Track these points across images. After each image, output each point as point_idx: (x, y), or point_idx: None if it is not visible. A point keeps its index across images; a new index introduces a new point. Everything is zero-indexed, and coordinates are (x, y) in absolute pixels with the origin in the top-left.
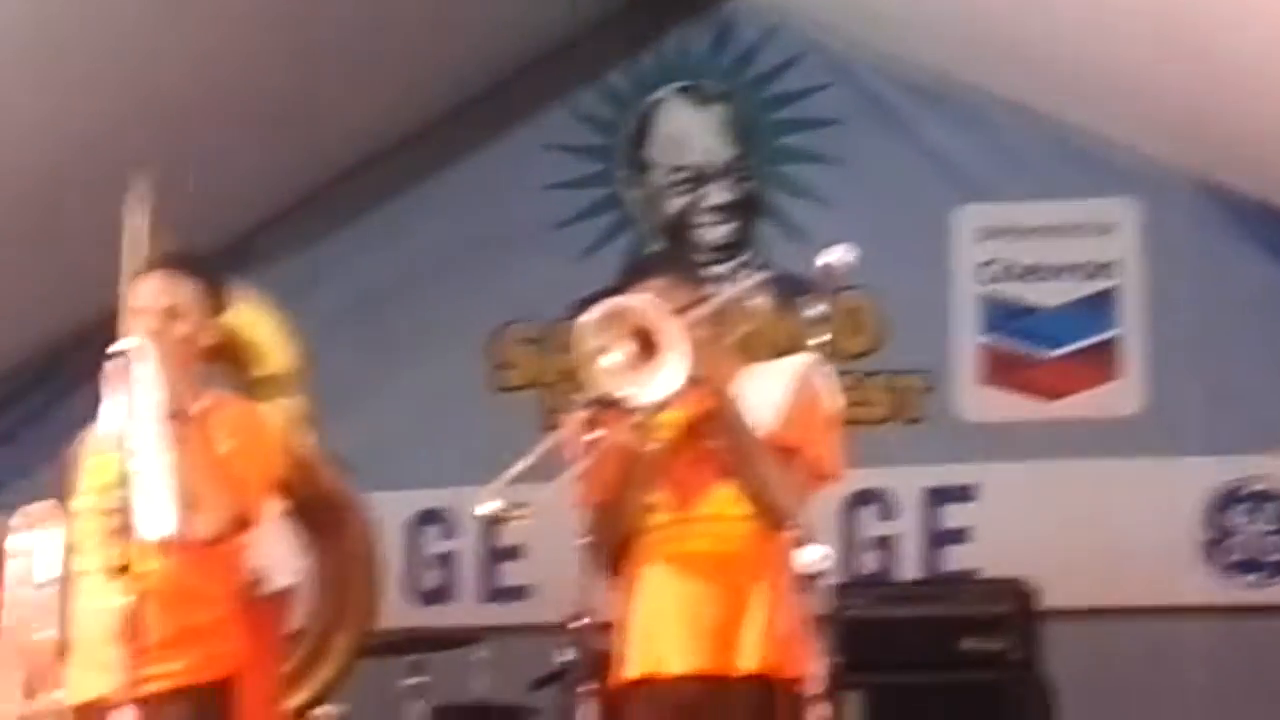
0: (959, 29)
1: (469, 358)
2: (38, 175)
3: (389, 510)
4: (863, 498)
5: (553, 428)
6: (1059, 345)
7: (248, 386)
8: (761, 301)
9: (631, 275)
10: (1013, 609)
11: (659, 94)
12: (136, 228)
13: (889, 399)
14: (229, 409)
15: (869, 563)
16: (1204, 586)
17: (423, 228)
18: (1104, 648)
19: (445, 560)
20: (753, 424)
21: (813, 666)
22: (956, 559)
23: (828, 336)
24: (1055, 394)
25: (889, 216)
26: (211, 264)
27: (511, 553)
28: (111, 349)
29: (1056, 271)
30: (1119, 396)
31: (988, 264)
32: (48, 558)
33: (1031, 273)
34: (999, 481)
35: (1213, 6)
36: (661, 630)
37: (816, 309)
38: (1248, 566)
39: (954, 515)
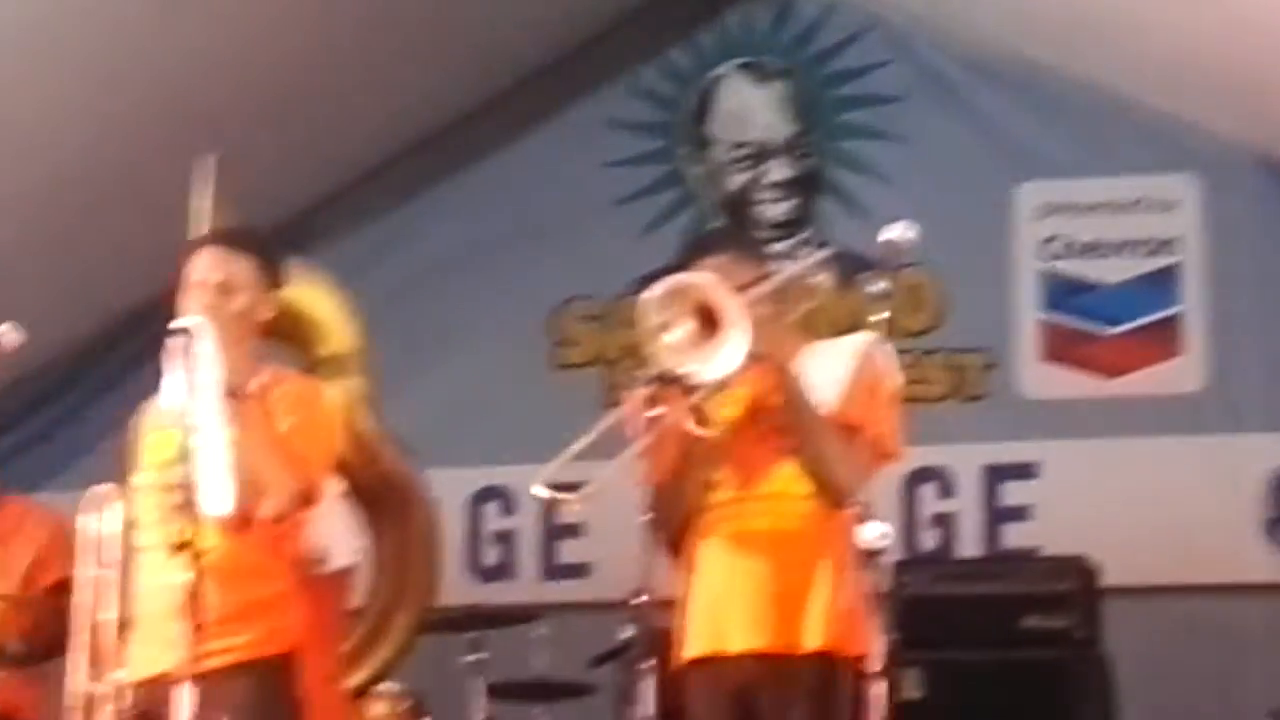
0: (1019, 4)
1: (530, 335)
2: (98, 151)
3: (449, 488)
4: (922, 475)
5: (613, 405)
6: (1120, 322)
7: (309, 366)
8: (823, 278)
9: (693, 252)
10: (1075, 586)
11: (720, 70)
12: (200, 206)
13: (949, 376)
14: (288, 385)
15: (928, 540)
16: (1265, 564)
17: (484, 205)
18: (1164, 626)
19: (505, 537)
20: (815, 402)
21: (874, 644)
22: (1016, 537)
23: (888, 314)
24: (1116, 371)
25: (949, 193)
26: (265, 239)
27: (571, 530)
28: (172, 325)
29: (1117, 248)
30: (1180, 373)
31: (1048, 240)
32: (114, 537)
33: (1092, 249)
34: (1059, 459)
35: None
36: (723, 608)
37: (878, 285)
38: None
39: (1014, 493)
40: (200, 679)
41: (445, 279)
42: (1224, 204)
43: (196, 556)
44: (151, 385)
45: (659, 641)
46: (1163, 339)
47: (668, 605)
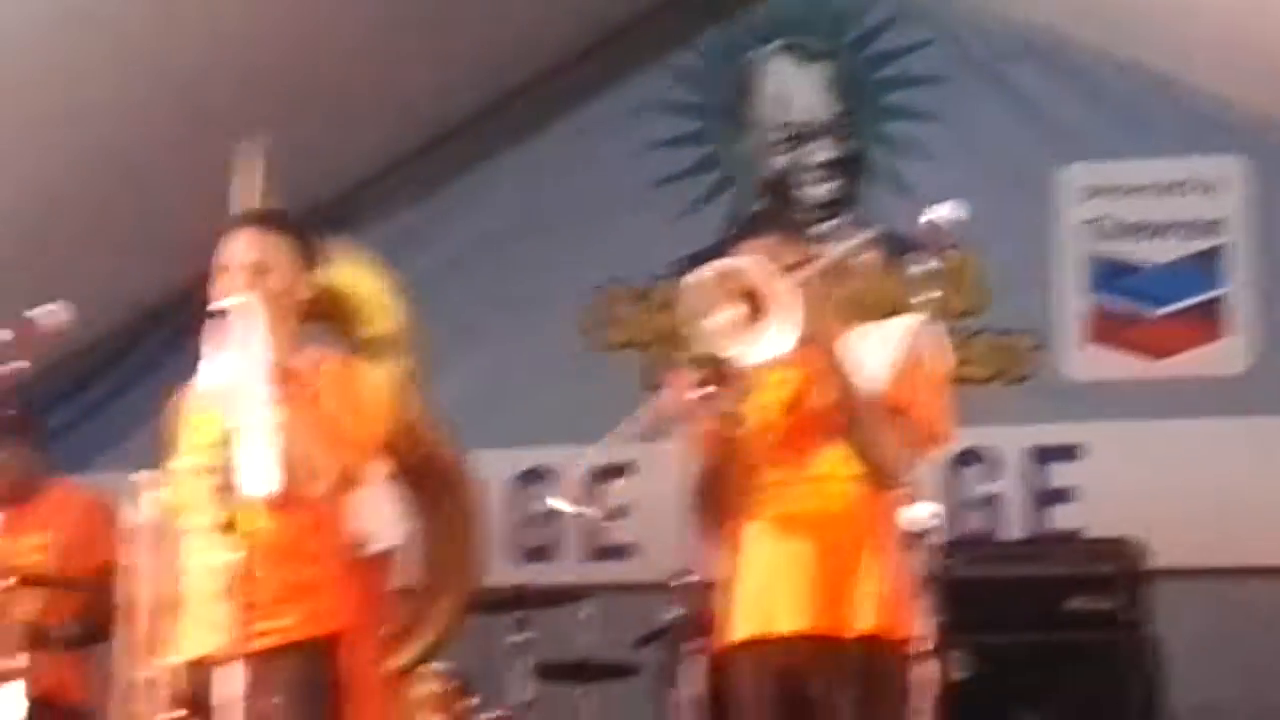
0: None
1: (570, 316)
2: (138, 134)
3: (492, 469)
4: (967, 457)
5: (654, 386)
6: (1165, 303)
7: (353, 347)
8: (869, 259)
9: (739, 233)
10: (1121, 568)
11: (761, 52)
12: (241, 188)
13: (994, 358)
14: (332, 366)
15: (973, 522)
16: None
17: (524, 187)
18: (1211, 607)
19: (550, 518)
20: (862, 384)
21: (920, 626)
22: (1061, 518)
23: (936, 294)
24: (1161, 352)
25: (993, 174)
26: (299, 219)
27: (615, 511)
28: (217, 306)
29: (1163, 229)
30: (1226, 355)
31: (1093, 222)
32: (158, 522)
33: (1138, 231)
34: (1104, 441)
35: None
36: (770, 590)
37: (924, 266)
38: None
39: (1059, 475)
40: (247, 660)
41: (487, 260)
42: (1270, 185)
43: (243, 537)
44: (193, 366)
45: (704, 623)
46: (1208, 320)
47: (713, 586)
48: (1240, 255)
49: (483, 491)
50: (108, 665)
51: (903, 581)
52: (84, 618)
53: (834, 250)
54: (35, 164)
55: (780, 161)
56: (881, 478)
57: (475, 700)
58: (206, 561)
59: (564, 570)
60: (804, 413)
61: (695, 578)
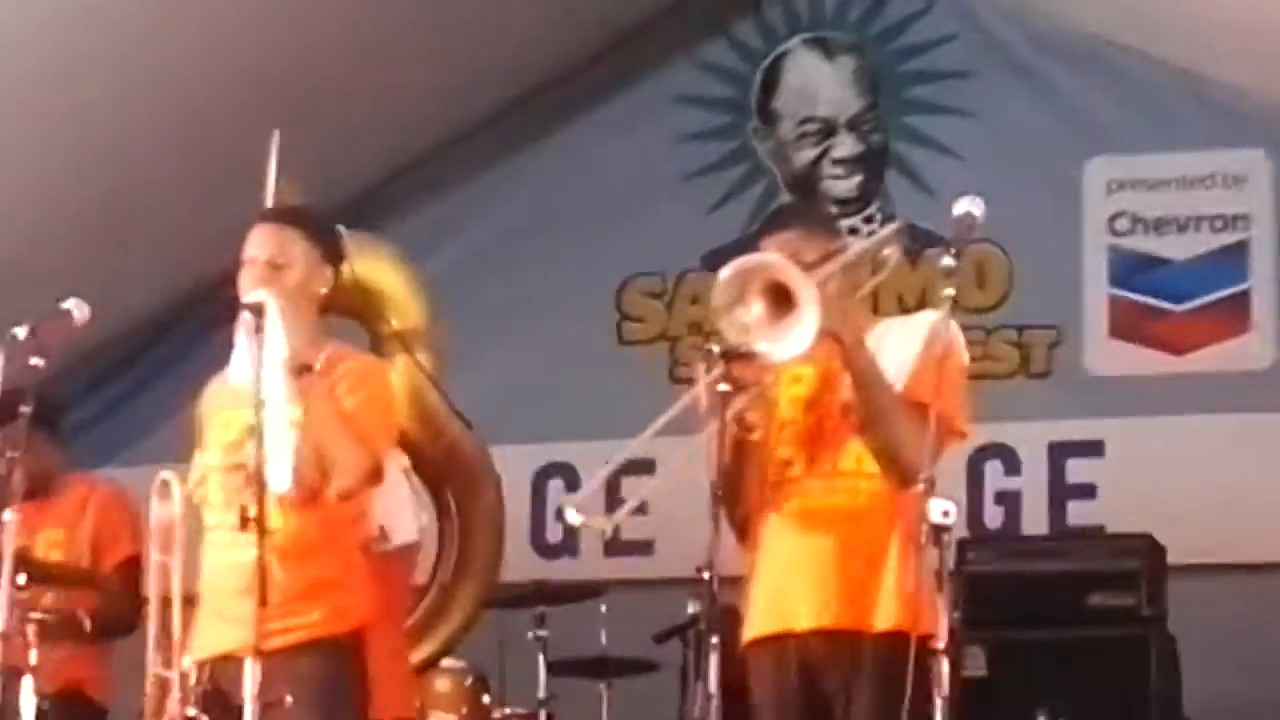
0: None
1: (596, 311)
2: (165, 127)
3: (514, 464)
4: (988, 453)
5: (679, 381)
6: (1189, 299)
7: (377, 341)
8: (892, 253)
9: (765, 227)
10: (1141, 564)
11: (787, 45)
12: (268, 181)
13: (1016, 353)
14: (351, 362)
15: (994, 518)
16: None
17: (552, 180)
18: (1231, 604)
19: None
20: (884, 378)
21: (940, 622)
22: (1081, 514)
23: (956, 290)
24: (1185, 348)
25: (1017, 168)
26: (317, 214)
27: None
28: (243, 301)
29: (1187, 224)
30: (1250, 350)
31: (1117, 216)
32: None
33: (1162, 225)
34: (1126, 437)
35: None
36: (790, 586)
37: (947, 261)
38: None
39: (1079, 470)
40: (267, 656)
41: (512, 255)
42: None
43: (264, 534)
44: (217, 360)
45: (724, 618)
46: (1232, 315)
47: (732, 582)
48: (1265, 250)
49: (503, 486)
50: (129, 660)
51: (923, 578)
52: (105, 613)
53: (859, 245)
54: (58, 160)
55: (806, 155)
56: (901, 473)
57: (493, 696)
58: (228, 558)
59: (583, 566)
60: (826, 408)
61: (715, 573)
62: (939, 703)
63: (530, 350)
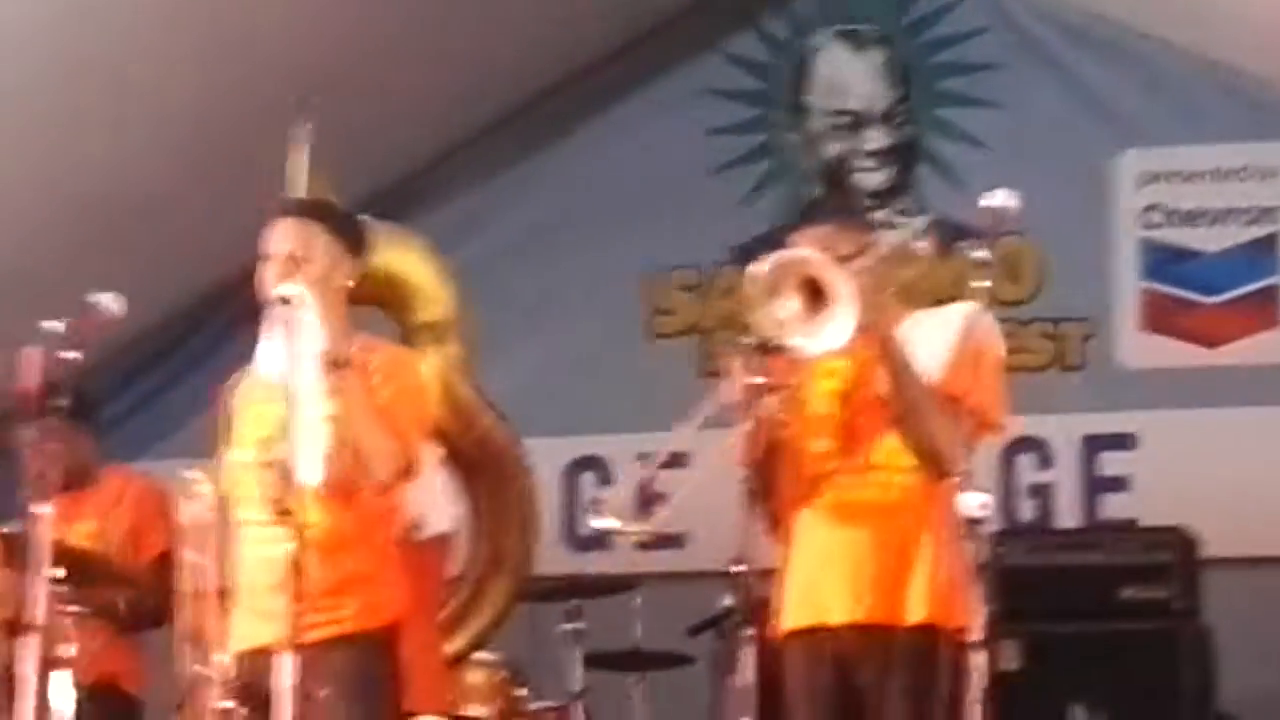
0: None
1: (626, 304)
2: (194, 121)
3: (546, 456)
4: (1020, 446)
5: (710, 374)
6: (1221, 291)
7: (407, 332)
8: (924, 246)
9: (795, 221)
10: (1174, 557)
11: (816, 38)
12: (296, 175)
13: (1047, 346)
14: (382, 354)
15: (1026, 511)
16: None
17: (580, 173)
18: (1265, 597)
19: (601, 506)
20: (918, 372)
21: (974, 615)
22: (1114, 507)
23: (989, 283)
24: (1216, 340)
25: (1048, 161)
26: (339, 207)
27: (667, 500)
28: (274, 294)
29: (1218, 216)
30: None
31: (1149, 209)
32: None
33: (1193, 218)
34: (1158, 429)
35: None
36: (825, 580)
37: (979, 254)
38: None
39: (1112, 463)
40: (302, 651)
41: (542, 247)
42: None
43: (299, 528)
44: (248, 354)
45: (757, 611)
46: (1264, 308)
47: (766, 575)
48: None
49: (535, 478)
50: (163, 655)
51: (956, 571)
52: (139, 606)
53: (890, 238)
54: (89, 155)
55: (835, 149)
56: (936, 466)
57: (526, 689)
58: (262, 553)
59: (616, 559)
60: (860, 402)
61: (748, 566)
62: (973, 696)
63: (561, 343)
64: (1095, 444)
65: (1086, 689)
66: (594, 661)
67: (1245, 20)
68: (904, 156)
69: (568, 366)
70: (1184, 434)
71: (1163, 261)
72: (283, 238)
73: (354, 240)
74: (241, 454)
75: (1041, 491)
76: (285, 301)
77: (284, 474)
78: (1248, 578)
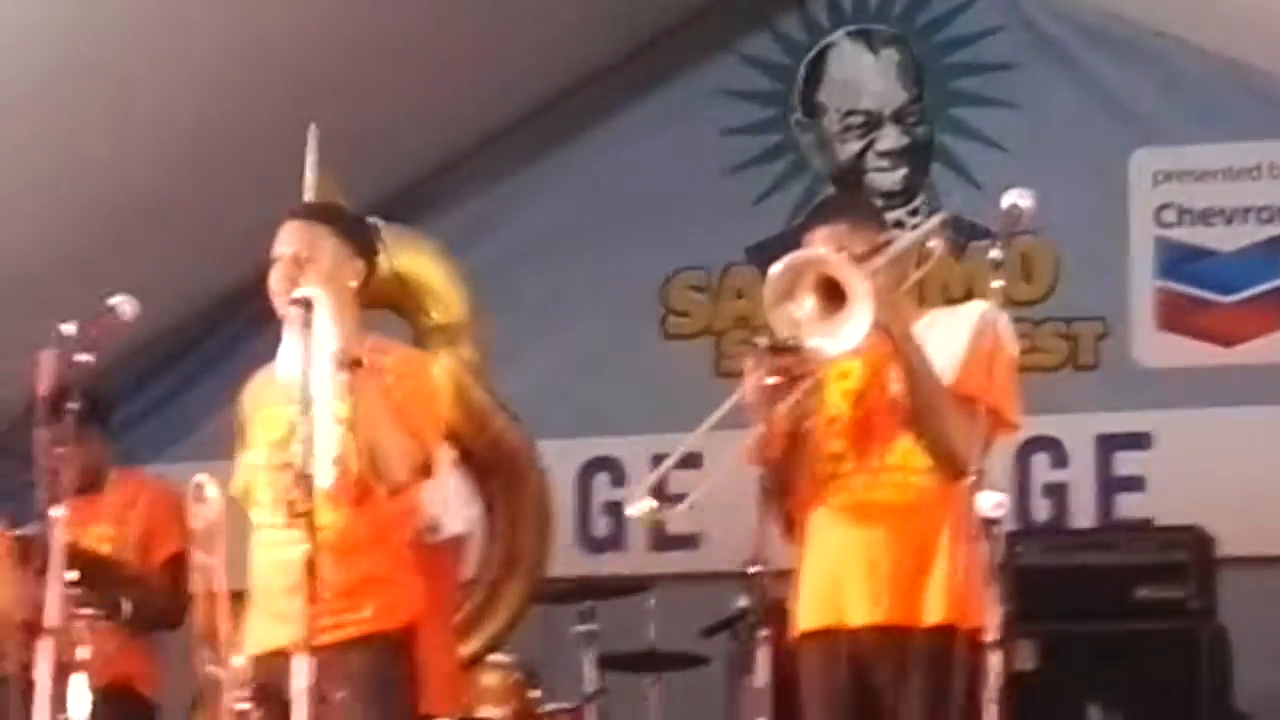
0: None
1: (641, 304)
2: (208, 124)
3: (560, 458)
4: (1035, 445)
5: (725, 375)
6: (1237, 290)
7: (420, 334)
8: (938, 245)
9: (810, 221)
10: (1190, 557)
11: (831, 38)
12: (309, 178)
13: (1063, 345)
14: (395, 356)
15: (1041, 511)
16: None
17: (595, 174)
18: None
19: (616, 508)
20: (933, 371)
21: (990, 616)
22: (1129, 507)
23: (1004, 282)
24: (1232, 339)
25: (1063, 160)
26: (348, 209)
27: (681, 501)
28: (289, 296)
29: (1234, 215)
30: None
31: (1164, 208)
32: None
33: (1209, 216)
34: (1173, 429)
35: None
36: (840, 581)
37: (994, 253)
38: None
39: (1127, 463)
40: (318, 653)
41: (556, 248)
42: None
43: (314, 529)
44: (262, 356)
45: (772, 612)
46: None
47: (781, 576)
48: None
49: (550, 479)
50: (178, 657)
51: (972, 571)
52: (151, 606)
53: (905, 237)
54: (95, 159)
55: (850, 148)
56: (951, 466)
57: (541, 691)
58: (277, 556)
59: (630, 560)
60: (874, 402)
61: (763, 567)
62: (989, 696)
63: (574, 344)
64: (1110, 443)
65: (1102, 689)
66: (608, 663)
67: (1262, 19)
68: (918, 156)
69: (581, 368)
70: (1200, 433)
71: (1178, 260)
72: (289, 240)
73: (362, 242)
74: (255, 456)
75: (1057, 491)
76: (303, 304)
77: (298, 476)
78: (1264, 577)
